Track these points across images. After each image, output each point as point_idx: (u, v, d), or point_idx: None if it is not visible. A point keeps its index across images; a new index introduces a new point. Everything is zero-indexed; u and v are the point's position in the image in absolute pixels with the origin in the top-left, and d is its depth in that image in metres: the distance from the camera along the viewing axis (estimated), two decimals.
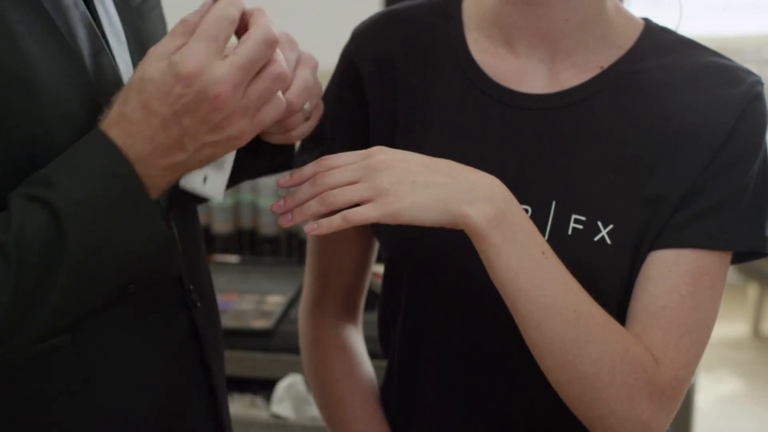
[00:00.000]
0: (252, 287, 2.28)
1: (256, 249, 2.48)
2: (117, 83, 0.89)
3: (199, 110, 0.82)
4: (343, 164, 0.96)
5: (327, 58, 1.16)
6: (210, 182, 0.95)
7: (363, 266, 1.25)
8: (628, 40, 1.11)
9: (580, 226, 1.05)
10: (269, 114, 0.86)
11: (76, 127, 0.84)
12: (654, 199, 1.04)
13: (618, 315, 1.03)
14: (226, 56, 0.83)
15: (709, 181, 1.04)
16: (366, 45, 1.17)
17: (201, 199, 1.04)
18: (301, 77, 0.95)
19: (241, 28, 0.87)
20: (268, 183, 2.40)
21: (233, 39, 0.86)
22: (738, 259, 1.07)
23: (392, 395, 1.20)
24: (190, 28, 0.84)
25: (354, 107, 1.16)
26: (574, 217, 1.05)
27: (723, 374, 4.03)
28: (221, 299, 1.98)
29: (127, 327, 0.93)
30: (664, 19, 1.14)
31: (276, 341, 2.04)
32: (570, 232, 1.05)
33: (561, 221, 1.05)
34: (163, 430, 0.97)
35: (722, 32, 4.66)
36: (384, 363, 1.23)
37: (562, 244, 1.02)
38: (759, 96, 1.06)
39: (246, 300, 2.20)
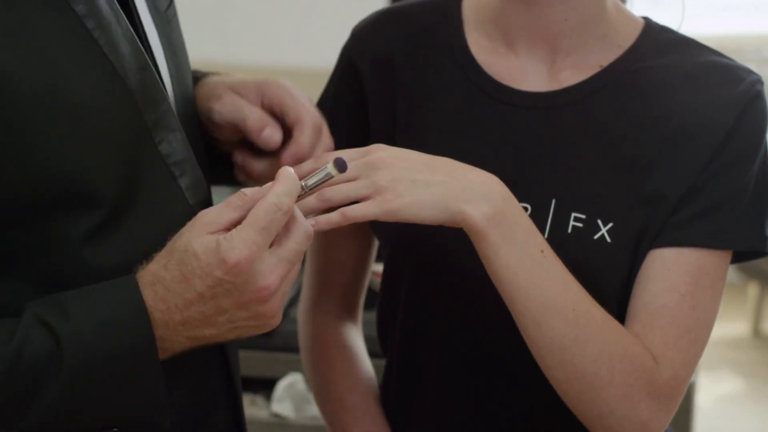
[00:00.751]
0: None
1: None
2: (162, 98, 0.88)
3: (242, 297, 0.82)
4: None
5: (327, 57, 1.16)
6: None
7: (362, 265, 1.25)
8: (628, 39, 1.11)
9: (580, 225, 1.05)
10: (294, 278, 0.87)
11: (121, 145, 0.83)
12: (654, 197, 1.04)
13: (617, 314, 1.03)
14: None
15: (709, 180, 1.04)
16: (366, 43, 1.17)
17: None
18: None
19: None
20: None
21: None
22: (738, 258, 1.07)
23: (391, 394, 1.20)
24: (246, 204, 0.83)
25: (353, 106, 1.16)
26: (573, 215, 1.05)
27: (723, 373, 4.04)
28: None
29: None
30: (664, 18, 1.14)
31: (276, 340, 2.04)
32: (570, 230, 1.05)
33: (561, 220, 1.05)
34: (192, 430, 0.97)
35: (722, 31, 4.66)
36: (383, 362, 1.23)
37: (561, 243, 1.01)
38: (759, 95, 1.06)
39: None
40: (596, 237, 1.04)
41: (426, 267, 1.11)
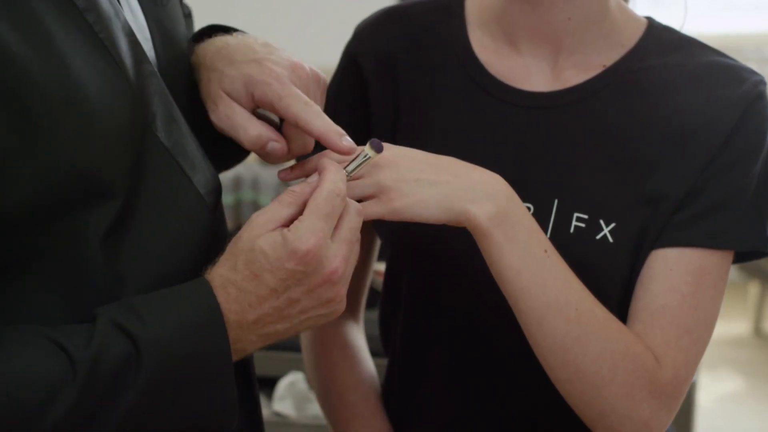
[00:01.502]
0: None
1: None
2: (160, 92, 0.88)
3: (312, 283, 0.83)
4: None
5: (329, 55, 1.16)
6: None
7: (364, 264, 1.25)
8: (630, 38, 1.11)
9: (582, 225, 1.05)
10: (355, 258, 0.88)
11: (126, 138, 0.83)
12: (656, 197, 1.04)
13: (619, 313, 1.03)
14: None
15: (711, 180, 1.04)
16: (368, 42, 1.17)
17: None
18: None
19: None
20: (269, 181, 2.40)
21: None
22: (739, 258, 1.07)
23: (393, 393, 1.21)
24: (299, 199, 0.85)
25: (356, 104, 1.16)
26: (576, 215, 1.05)
27: (724, 373, 4.04)
28: None
29: None
30: (667, 18, 1.15)
31: None
32: (572, 230, 1.05)
33: (563, 219, 1.05)
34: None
35: (723, 31, 4.67)
36: (385, 361, 1.23)
37: (564, 243, 1.02)
38: (761, 96, 1.06)
39: None
40: (598, 237, 1.04)
41: (428, 266, 1.11)
